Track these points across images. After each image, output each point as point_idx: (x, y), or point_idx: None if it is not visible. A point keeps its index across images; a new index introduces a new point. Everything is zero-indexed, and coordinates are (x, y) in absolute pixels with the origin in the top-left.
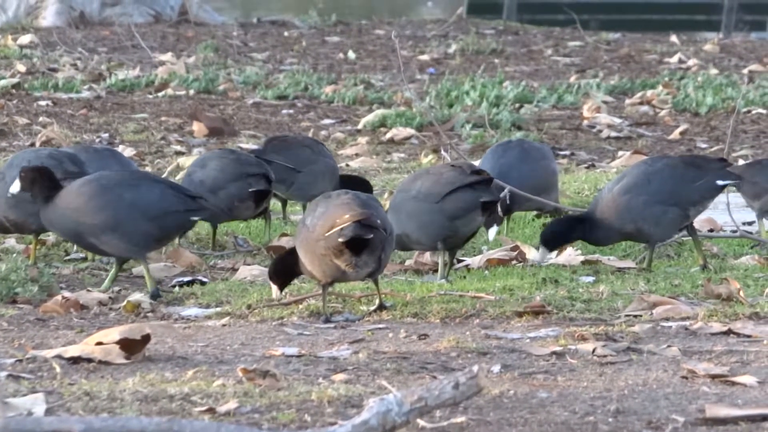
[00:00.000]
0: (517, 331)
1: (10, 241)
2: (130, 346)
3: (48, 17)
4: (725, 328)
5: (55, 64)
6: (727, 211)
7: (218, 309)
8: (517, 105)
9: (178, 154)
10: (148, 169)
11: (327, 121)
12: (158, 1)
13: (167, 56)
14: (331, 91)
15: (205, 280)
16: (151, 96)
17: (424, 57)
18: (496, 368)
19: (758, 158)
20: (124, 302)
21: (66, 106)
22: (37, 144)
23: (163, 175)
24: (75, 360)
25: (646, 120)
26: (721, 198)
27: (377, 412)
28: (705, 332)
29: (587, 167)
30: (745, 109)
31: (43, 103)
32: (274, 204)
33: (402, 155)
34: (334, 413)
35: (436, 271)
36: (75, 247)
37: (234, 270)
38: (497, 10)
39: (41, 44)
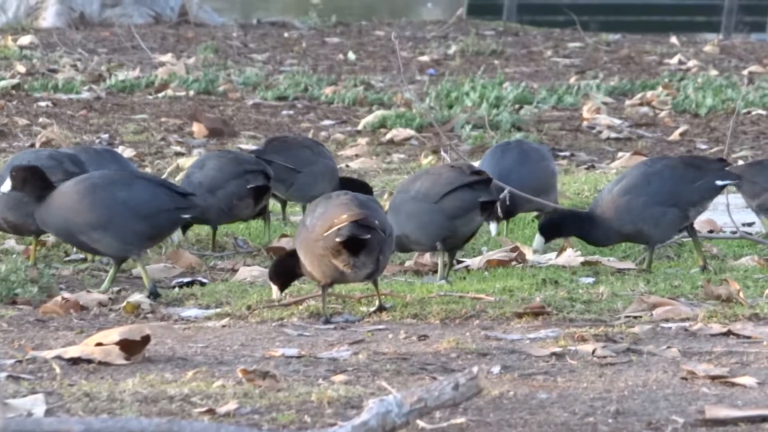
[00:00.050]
0: (516, 332)
1: (10, 242)
2: (130, 347)
3: (48, 18)
4: (725, 329)
5: (55, 65)
6: (726, 212)
7: (218, 310)
8: (517, 106)
9: (178, 155)
10: (148, 169)
11: (327, 122)
12: (158, 2)
13: (167, 57)
14: (331, 92)
15: (204, 281)
16: (151, 97)
17: (424, 58)
18: (496, 369)
19: (758, 158)
20: (124, 303)
21: (66, 106)
22: (37, 145)
23: (163, 176)
24: (75, 361)
25: (645, 121)
26: (720, 199)
27: (377, 413)
28: (705, 333)
29: (587, 168)
30: (744, 111)
31: (43, 103)
32: (274, 205)
33: (402, 156)
34: (334, 414)
35: (435, 272)
36: (75, 248)
37: (234, 271)
38: (497, 11)
39: (41, 45)
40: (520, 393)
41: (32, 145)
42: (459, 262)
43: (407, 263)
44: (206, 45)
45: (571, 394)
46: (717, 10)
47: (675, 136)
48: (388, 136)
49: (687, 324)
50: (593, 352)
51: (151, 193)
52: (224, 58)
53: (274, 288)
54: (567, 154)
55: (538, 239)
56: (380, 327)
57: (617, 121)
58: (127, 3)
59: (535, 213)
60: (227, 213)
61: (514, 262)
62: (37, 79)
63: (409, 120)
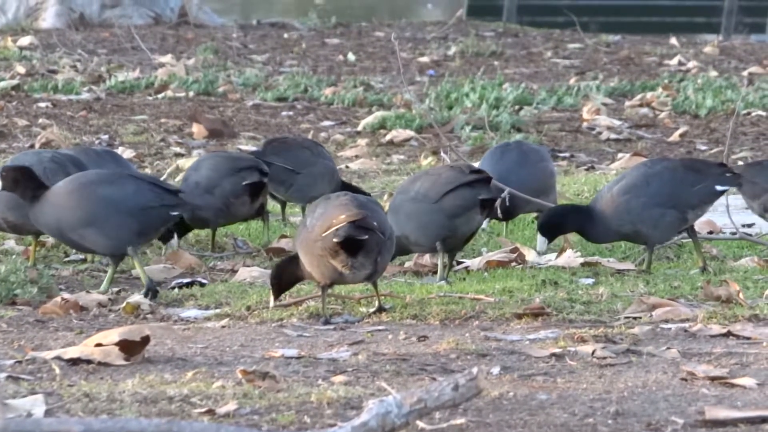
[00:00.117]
0: (516, 332)
1: (10, 243)
2: (130, 348)
3: (48, 19)
4: (725, 330)
5: (55, 65)
6: (726, 213)
7: (218, 310)
8: (516, 107)
9: (178, 155)
10: (148, 170)
11: (326, 123)
12: (158, 3)
13: (167, 58)
14: (330, 93)
15: (204, 281)
16: (150, 98)
17: (424, 59)
18: (496, 370)
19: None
20: (124, 304)
21: (66, 107)
22: (37, 146)
23: (163, 177)
24: (74, 361)
25: (645, 122)
26: (720, 200)
27: (377, 414)
28: (704, 334)
29: (587, 169)
30: (744, 111)
31: (42, 104)
32: (273, 206)
33: (402, 157)
34: (334, 415)
35: (435, 272)
36: (73, 249)
37: (233, 271)
38: (497, 12)
39: (41, 46)
40: (519, 394)
41: (32, 146)
42: (459, 262)
43: (407, 264)
44: (206, 46)
45: (570, 395)
46: (717, 11)
47: (675, 137)
48: (388, 137)
49: (687, 325)
50: (593, 353)
51: (137, 190)
52: (224, 59)
53: (271, 294)
54: (567, 155)
55: (541, 240)
56: (380, 328)
57: (617, 122)
58: (127, 4)
59: (534, 214)
60: (225, 212)
61: (513, 263)
62: (37, 80)
63: (408, 121)
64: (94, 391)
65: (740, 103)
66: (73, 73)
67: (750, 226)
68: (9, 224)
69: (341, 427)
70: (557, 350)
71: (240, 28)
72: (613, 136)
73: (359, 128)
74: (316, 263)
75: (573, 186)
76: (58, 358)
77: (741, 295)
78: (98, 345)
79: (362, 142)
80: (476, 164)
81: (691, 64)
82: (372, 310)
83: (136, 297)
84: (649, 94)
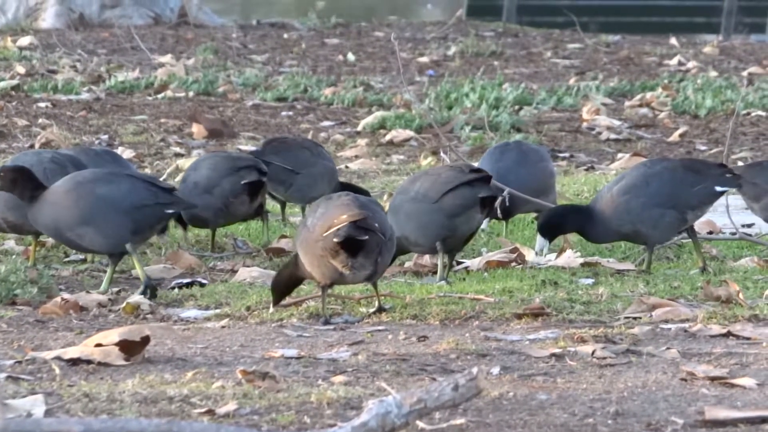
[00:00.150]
0: (516, 333)
1: (10, 243)
2: (130, 348)
3: (47, 19)
4: (724, 331)
5: (55, 65)
6: (726, 213)
7: (218, 311)
8: (516, 107)
9: (178, 155)
10: (148, 170)
11: (326, 123)
12: (158, 3)
13: (167, 58)
14: (330, 93)
15: (204, 281)
16: (150, 98)
17: (424, 59)
18: (496, 370)
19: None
20: (124, 304)
21: (65, 107)
22: (37, 146)
23: (162, 177)
24: (74, 361)
25: (645, 122)
26: (720, 200)
27: (376, 414)
28: (704, 334)
29: (586, 169)
30: (744, 112)
31: (42, 104)
32: (273, 206)
33: (401, 157)
34: (334, 415)
35: (435, 272)
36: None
37: (233, 272)
38: (497, 12)
39: (41, 46)
40: (519, 394)
41: (32, 146)
42: (458, 263)
43: (407, 264)
44: (206, 46)
45: (570, 395)
46: (716, 11)
47: (674, 137)
48: (388, 137)
49: (686, 325)
50: (593, 353)
51: (131, 188)
52: (224, 59)
53: (272, 298)
54: (566, 155)
55: (540, 241)
56: (380, 328)
57: (617, 122)
58: (127, 4)
59: (534, 214)
60: (224, 212)
61: (513, 263)
62: (37, 80)
63: (408, 121)
64: (94, 391)
65: (740, 104)
66: (73, 73)
67: (750, 226)
68: (9, 224)
69: (341, 428)
70: (557, 350)
71: (240, 28)
72: (612, 136)
73: (359, 128)
74: (316, 263)
75: (573, 186)
76: (58, 358)
77: (741, 295)
78: (98, 345)
79: (362, 142)
80: (475, 164)
81: (691, 64)
82: (372, 310)
83: (136, 297)
84: (648, 94)
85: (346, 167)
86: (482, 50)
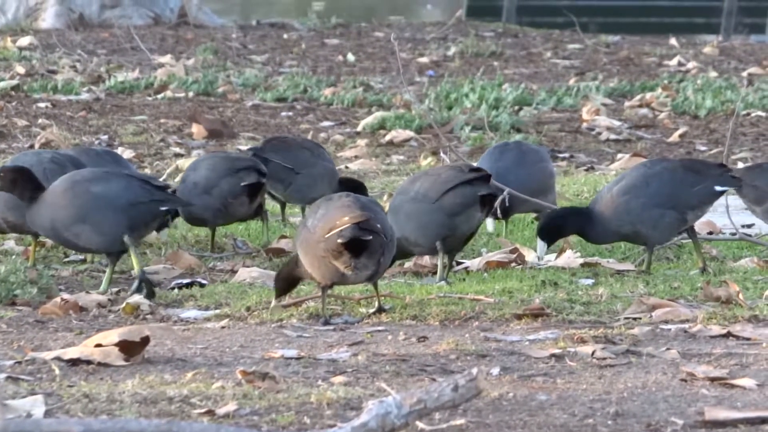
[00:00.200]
0: (516, 333)
1: (10, 243)
2: (130, 348)
3: (47, 19)
4: (724, 331)
5: (55, 66)
6: (726, 213)
7: (217, 311)
8: (516, 107)
9: (178, 156)
10: (147, 171)
11: (326, 124)
12: (157, 3)
13: (166, 58)
14: (330, 94)
15: (204, 282)
16: (150, 98)
17: (424, 59)
18: (496, 371)
19: (758, 161)
20: (123, 304)
21: (65, 108)
22: (37, 146)
23: (162, 177)
24: (74, 362)
25: (645, 122)
26: (720, 201)
27: (376, 415)
28: (704, 335)
29: (586, 170)
30: (744, 112)
31: (42, 104)
32: (273, 206)
33: (401, 157)
34: (333, 415)
35: (435, 273)
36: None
37: (233, 272)
38: (496, 13)
39: (40, 46)
40: (519, 394)
41: (32, 147)
42: (458, 263)
43: (407, 265)
44: (205, 46)
45: (570, 395)
46: (716, 11)
47: (674, 137)
48: (388, 138)
49: (686, 325)
50: (593, 353)
51: (127, 186)
52: (223, 59)
53: (274, 294)
54: (566, 155)
55: (540, 245)
56: (379, 328)
57: (617, 123)
58: (127, 4)
59: (534, 214)
60: (224, 212)
61: (513, 264)
62: (37, 80)
63: (408, 121)
64: (94, 391)
65: (740, 104)
66: (73, 74)
67: (750, 226)
68: (9, 224)
69: (341, 428)
70: (557, 351)
71: (239, 29)
72: (612, 136)
73: (359, 129)
74: (317, 264)
75: (572, 186)
76: (58, 358)
77: (741, 295)
78: (98, 345)
79: (362, 142)
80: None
81: (691, 64)
82: (372, 310)
83: (136, 297)
84: (648, 95)
85: (346, 167)
86: (482, 50)
